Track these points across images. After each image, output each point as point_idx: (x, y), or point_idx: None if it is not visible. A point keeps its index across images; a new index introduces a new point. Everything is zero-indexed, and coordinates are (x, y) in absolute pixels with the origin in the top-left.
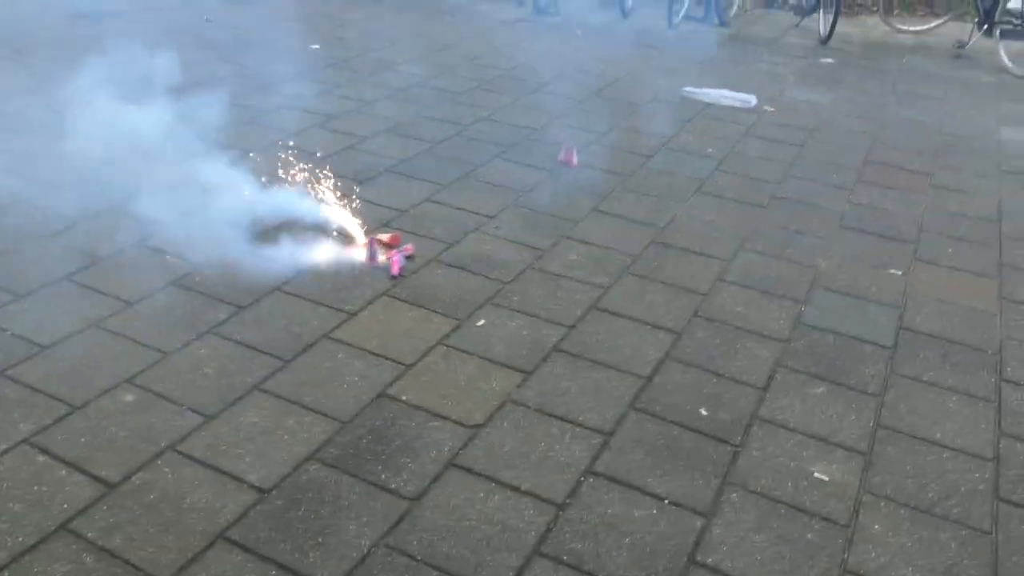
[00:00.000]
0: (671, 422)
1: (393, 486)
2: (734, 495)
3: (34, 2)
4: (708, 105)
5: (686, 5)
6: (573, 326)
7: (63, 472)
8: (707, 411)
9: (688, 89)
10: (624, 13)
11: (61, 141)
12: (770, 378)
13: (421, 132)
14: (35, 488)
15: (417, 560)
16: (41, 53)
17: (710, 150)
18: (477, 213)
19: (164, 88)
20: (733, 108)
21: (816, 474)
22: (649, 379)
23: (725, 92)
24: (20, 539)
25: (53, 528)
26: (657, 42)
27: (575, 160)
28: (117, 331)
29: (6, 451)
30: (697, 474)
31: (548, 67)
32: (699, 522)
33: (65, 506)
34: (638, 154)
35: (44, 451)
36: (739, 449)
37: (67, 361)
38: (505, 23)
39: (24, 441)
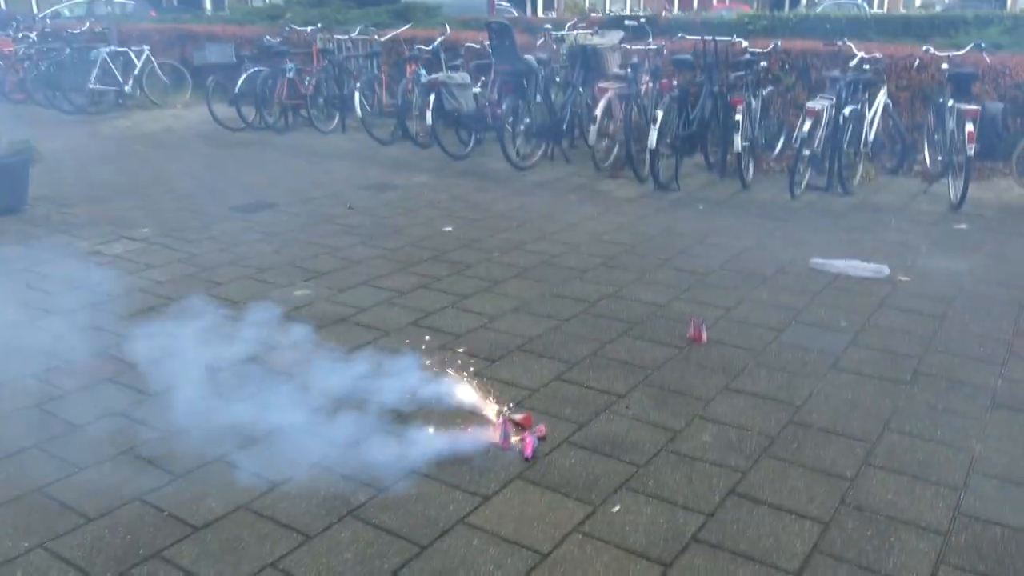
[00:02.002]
0: None
1: None
2: None
3: (204, 197)
4: (838, 276)
5: (808, 175)
6: (712, 514)
7: None
8: None
9: (816, 260)
10: (745, 185)
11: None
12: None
13: (549, 310)
14: None
15: None
16: (206, 245)
17: (843, 323)
18: (607, 392)
19: (310, 273)
20: (865, 279)
21: None
22: (798, 575)
23: (855, 262)
24: None
25: None
26: (780, 213)
27: (704, 336)
28: (263, 512)
29: None
30: None
31: (671, 242)
32: None
33: None
34: (768, 328)
35: None
36: None
37: (217, 543)
38: (627, 200)
39: None
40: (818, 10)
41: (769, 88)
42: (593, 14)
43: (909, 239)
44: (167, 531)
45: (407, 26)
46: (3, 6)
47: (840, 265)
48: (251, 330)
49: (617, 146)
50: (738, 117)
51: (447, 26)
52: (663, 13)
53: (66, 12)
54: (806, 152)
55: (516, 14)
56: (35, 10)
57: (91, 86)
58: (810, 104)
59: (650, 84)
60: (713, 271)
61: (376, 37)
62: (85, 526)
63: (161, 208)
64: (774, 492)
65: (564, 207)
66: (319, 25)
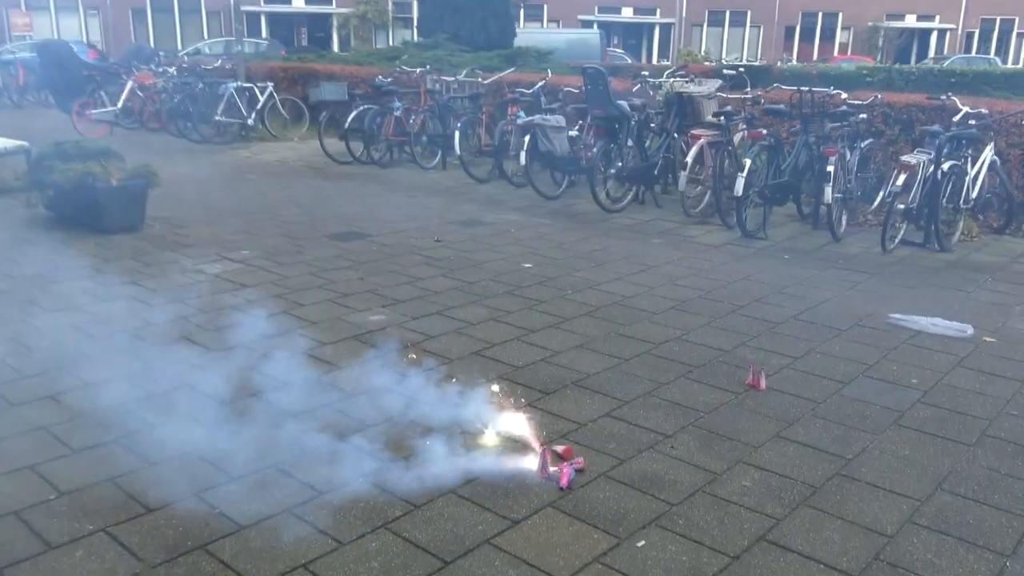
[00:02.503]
0: None
1: None
2: None
3: (303, 224)
4: (917, 333)
5: (903, 230)
6: (737, 557)
7: None
8: None
9: (895, 316)
10: (836, 237)
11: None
12: None
13: (612, 348)
14: None
15: None
16: (298, 268)
17: (914, 380)
18: (654, 431)
19: (389, 300)
20: (945, 337)
21: None
22: None
23: (937, 320)
24: None
25: None
26: (868, 267)
27: (763, 384)
28: (304, 517)
29: None
30: None
31: (748, 290)
32: None
33: None
34: (833, 380)
35: None
36: None
37: (258, 541)
38: (712, 246)
39: None
40: (945, 64)
41: (869, 141)
42: (706, 62)
43: (1003, 300)
44: (215, 527)
45: (511, 70)
46: (152, 44)
47: (921, 322)
48: (320, 348)
49: (708, 193)
50: (829, 168)
51: (549, 71)
52: (778, 63)
53: (206, 50)
54: (900, 206)
55: (630, 60)
56: (179, 47)
57: (217, 118)
58: (905, 158)
59: (744, 133)
60: (785, 321)
61: (480, 79)
62: (144, 516)
63: (263, 233)
64: (806, 542)
65: (645, 250)
66: (427, 67)
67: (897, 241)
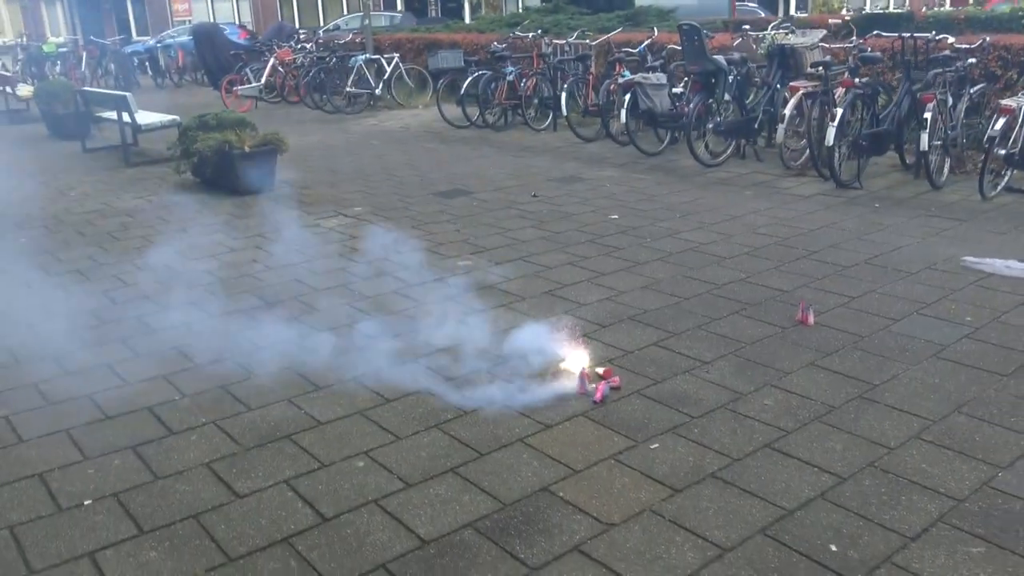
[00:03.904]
0: (794, 550)
1: (522, 556)
2: None
3: (414, 184)
4: (988, 276)
5: (1007, 177)
6: (739, 459)
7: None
8: (837, 548)
9: (969, 259)
10: (934, 185)
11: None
12: (924, 531)
13: (675, 289)
14: None
15: None
16: (403, 222)
17: (968, 318)
18: (694, 359)
19: (478, 248)
20: (1017, 280)
21: None
22: (791, 512)
23: (1013, 263)
24: None
25: None
26: (961, 214)
27: (811, 320)
28: (379, 461)
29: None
30: None
31: (826, 237)
32: None
33: None
34: (884, 318)
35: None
36: None
37: (333, 434)
38: (802, 197)
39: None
40: None
41: (981, 86)
42: (844, 13)
43: None
44: (298, 422)
45: (618, 30)
46: (296, 22)
47: (996, 265)
48: (411, 289)
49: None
50: (927, 115)
51: (655, 29)
52: (923, 9)
53: (344, 25)
54: (1000, 151)
55: (763, 15)
56: (321, 23)
57: (348, 89)
58: (1004, 102)
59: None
60: (855, 264)
61: (588, 41)
62: (245, 414)
63: (377, 192)
64: (807, 450)
65: (734, 201)
66: (539, 31)
67: (1000, 188)
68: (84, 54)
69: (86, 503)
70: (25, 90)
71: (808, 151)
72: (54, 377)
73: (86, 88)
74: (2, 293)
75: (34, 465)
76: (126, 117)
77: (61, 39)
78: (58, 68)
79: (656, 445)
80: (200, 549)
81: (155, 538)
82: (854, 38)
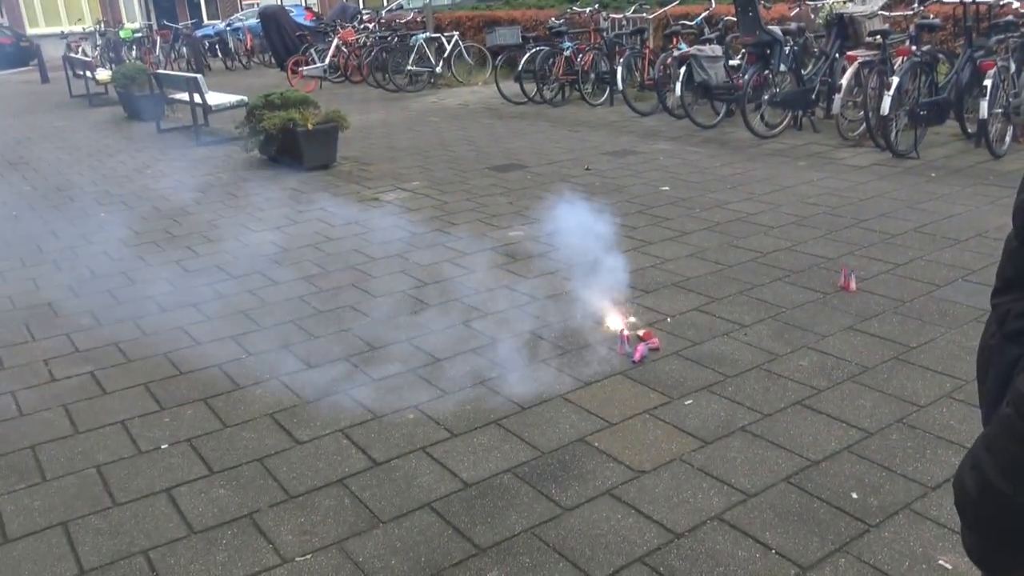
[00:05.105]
0: (816, 497)
1: (556, 498)
2: (842, 560)
3: (470, 159)
4: None
5: None
6: (769, 415)
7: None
8: (858, 495)
9: None
10: (994, 154)
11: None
12: (946, 480)
13: (720, 257)
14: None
15: (547, 545)
16: (458, 195)
17: None
18: (734, 322)
19: (529, 219)
20: None
21: (940, 561)
22: (816, 463)
23: None
24: None
25: None
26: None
27: (853, 286)
28: (428, 413)
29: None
30: (816, 539)
31: (876, 206)
32: (794, 571)
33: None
34: (928, 283)
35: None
36: (872, 528)
37: (392, 429)
38: (857, 167)
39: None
40: None
41: None
42: None
43: None
44: (354, 379)
45: (676, 2)
46: (359, 2)
47: None
48: (460, 257)
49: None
50: (987, 82)
51: (713, 1)
52: None
53: (405, 4)
54: None
55: None
56: (384, 3)
57: (409, 68)
58: None
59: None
60: (904, 232)
61: (645, 15)
62: (305, 371)
63: (435, 167)
64: (838, 407)
65: (787, 172)
66: (597, 5)
67: None
68: (158, 38)
69: (163, 447)
70: (104, 74)
71: (865, 122)
72: (133, 338)
73: (160, 71)
74: (85, 262)
75: (116, 414)
76: (197, 98)
77: (137, 24)
78: (134, 53)
79: (690, 401)
80: (264, 488)
81: (224, 477)
82: (916, 5)
